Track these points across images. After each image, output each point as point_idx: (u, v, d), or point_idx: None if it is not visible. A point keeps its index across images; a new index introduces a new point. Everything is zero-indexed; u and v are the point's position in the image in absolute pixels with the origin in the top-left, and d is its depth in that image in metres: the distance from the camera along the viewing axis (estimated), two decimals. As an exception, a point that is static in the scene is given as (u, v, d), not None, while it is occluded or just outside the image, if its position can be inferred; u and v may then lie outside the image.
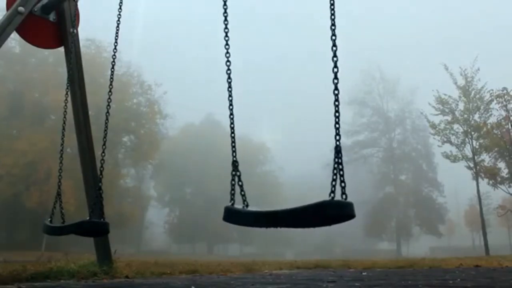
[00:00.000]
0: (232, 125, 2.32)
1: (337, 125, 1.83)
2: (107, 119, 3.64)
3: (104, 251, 4.65)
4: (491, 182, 23.18)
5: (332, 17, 1.91)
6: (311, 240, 52.75)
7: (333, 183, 1.77)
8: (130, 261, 6.70)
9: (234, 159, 2.22)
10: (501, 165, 23.31)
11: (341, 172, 1.79)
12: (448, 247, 51.99)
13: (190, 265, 6.85)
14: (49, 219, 3.66)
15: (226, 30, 2.40)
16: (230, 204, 2.10)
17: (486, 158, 23.43)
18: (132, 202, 40.23)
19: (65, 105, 4.08)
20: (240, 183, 2.15)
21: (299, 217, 1.81)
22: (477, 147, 23.23)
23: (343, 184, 1.78)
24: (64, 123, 4.02)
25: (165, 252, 44.79)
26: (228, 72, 2.35)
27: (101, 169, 3.52)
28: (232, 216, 2.06)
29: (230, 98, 2.35)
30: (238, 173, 2.17)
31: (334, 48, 1.87)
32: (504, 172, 23.15)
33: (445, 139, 23.83)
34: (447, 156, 24.07)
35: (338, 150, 1.80)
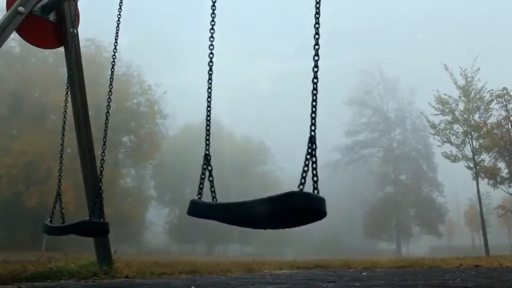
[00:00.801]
0: (208, 118, 2.28)
1: (313, 115, 1.76)
2: (107, 119, 3.64)
3: (104, 251, 4.65)
4: (491, 182, 23.18)
5: (317, 15, 1.90)
6: (311, 240, 52.73)
7: (304, 174, 1.66)
8: (130, 261, 6.70)
9: (207, 152, 2.16)
10: (501, 165, 23.33)
11: (314, 165, 1.68)
12: (448, 247, 51.99)
13: (190, 265, 6.86)
14: (49, 219, 3.66)
15: (213, 23, 2.40)
16: (197, 198, 2.04)
17: (486, 158, 23.46)
18: (132, 202, 40.25)
19: (65, 105, 4.08)
20: (210, 178, 2.10)
21: (263, 210, 1.67)
22: (477, 147, 23.23)
23: (315, 178, 1.66)
24: (64, 123, 4.02)
25: (165, 252, 44.77)
26: (210, 64, 2.36)
27: (101, 169, 3.52)
28: (196, 209, 1.99)
29: (209, 90, 2.35)
30: (209, 167, 2.12)
31: (317, 47, 1.87)
32: (504, 172, 23.16)
33: (445, 139, 23.84)
34: (447, 156, 24.07)
35: (312, 141, 1.71)
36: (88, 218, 3.65)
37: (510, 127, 22.65)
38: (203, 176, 2.09)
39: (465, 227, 55.74)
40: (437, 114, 24.45)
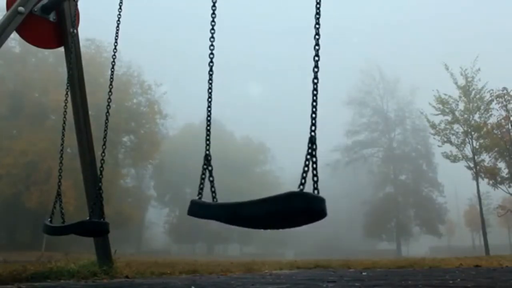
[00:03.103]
0: (208, 118, 2.29)
1: (313, 115, 1.77)
2: (107, 119, 3.64)
3: (104, 251, 4.65)
4: (491, 182, 23.19)
5: (317, 16, 1.90)
6: (311, 240, 52.75)
7: (304, 174, 1.67)
8: (130, 261, 6.70)
9: (207, 152, 2.16)
10: (501, 165, 23.34)
11: (314, 165, 1.69)
12: (448, 247, 52.00)
13: (190, 265, 6.86)
14: (49, 219, 3.66)
15: (213, 23, 2.40)
16: (197, 198, 2.05)
17: (486, 158, 23.46)
18: (132, 202, 40.26)
19: (65, 105, 4.08)
20: (211, 178, 2.11)
21: (263, 209, 1.68)
22: (477, 147, 23.23)
23: (315, 178, 1.68)
24: (64, 123, 4.02)
25: (165, 252, 44.79)
26: (211, 64, 2.36)
27: (101, 169, 3.52)
28: (196, 209, 2.00)
29: (210, 91, 2.35)
30: (210, 168, 2.12)
31: (317, 47, 1.87)
32: (504, 172, 23.16)
33: (445, 139, 23.83)
34: (447, 156, 24.07)
35: (312, 141, 1.71)
36: (88, 218, 3.65)
37: (510, 127, 22.66)
38: (203, 176, 2.09)
39: (465, 227, 55.73)
40: (437, 114, 24.46)
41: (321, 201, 1.63)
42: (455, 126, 23.78)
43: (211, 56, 2.37)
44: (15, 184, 28.66)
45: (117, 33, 3.81)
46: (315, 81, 1.84)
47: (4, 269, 4.05)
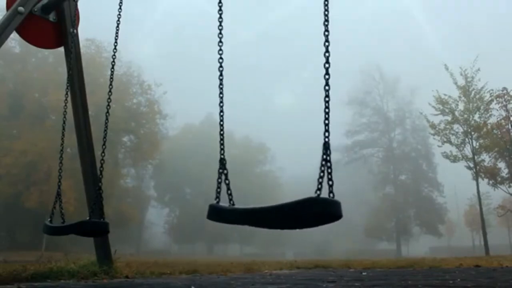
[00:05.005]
0: (221, 122, 2.30)
1: (326, 121, 1.79)
2: (107, 119, 3.63)
3: (104, 251, 4.65)
4: (491, 182, 23.17)
5: (326, 12, 1.90)
6: (311, 240, 52.74)
7: (320, 180, 1.72)
8: (130, 261, 6.70)
9: (222, 156, 2.18)
10: (501, 165, 23.32)
11: (329, 170, 1.74)
12: (448, 247, 52.00)
13: (190, 265, 6.86)
14: (49, 219, 3.65)
15: (220, 28, 2.40)
16: (215, 202, 2.07)
17: (486, 158, 23.44)
18: (132, 202, 40.26)
19: (65, 105, 4.08)
20: (227, 181, 2.11)
21: (283, 215, 1.76)
22: (477, 147, 23.22)
23: (330, 183, 1.74)
24: (64, 123, 4.01)
25: (165, 252, 44.84)
26: (220, 69, 2.35)
27: (101, 169, 3.51)
28: (216, 214, 2.03)
29: (221, 95, 2.35)
30: (225, 171, 2.13)
31: (327, 44, 1.87)
32: (504, 172, 23.15)
33: (445, 139, 23.81)
34: (447, 156, 24.05)
35: (326, 147, 1.75)
36: (88, 218, 3.64)
37: (510, 127, 22.65)
38: (219, 180, 2.10)
39: (465, 227, 55.69)
40: (437, 114, 24.44)
41: (338, 204, 1.72)
42: (455, 126, 23.77)
43: (220, 61, 2.35)
44: (15, 184, 28.64)
45: (117, 33, 3.81)
46: (327, 88, 1.85)
47: (4, 269, 4.05)
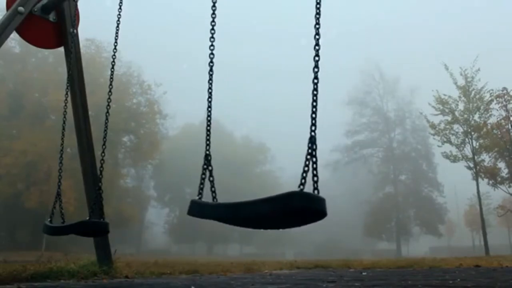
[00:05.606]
0: (208, 118, 2.29)
1: (313, 115, 1.78)
2: (107, 119, 3.64)
3: (104, 251, 4.65)
4: (491, 182, 23.18)
5: (317, 16, 1.91)
6: (311, 240, 52.76)
7: (304, 174, 1.67)
8: (130, 261, 6.70)
9: (207, 152, 2.16)
10: (501, 165, 23.32)
11: (314, 165, 1.69)
12: (448, 247, 52.02)
13: (190, 265, 6.86)
14: (49, 219, 3.66)
15: (213, 23, 2.41)
16: (197, 198, 2.05)
17: (486, 158, 23.45)
18: (132, 202, 40.25)
19: (65, 105, 4.08)
20: (211, 178, 2.11)
21: (263, 209, 1.69)
22: (477, 147, 23.22)
23: (315, 178, 1.68)
24: (64, 123, 4.01)
25: (165, 252, 44.80)
26: (211, 64, 2.36)
27: (101, 169, 3.52)
28: (198, 210, 1.99)
29: (210, 91, 2.35)
30: (210, 168, 2.12)
31: (317, 47, 1.87)
32: (504, 172, 23.15)
33: (445, 139, 23.81)
34: (447, 156, 24.06)
35: (312, 141, 1.72)
36: (88, 218, 3.65)
37: (510, 127, 22.65)
38: (203, 176, 2.09)
39: (465, 227, 55.71)
40: (437, 114, 24.45)
41: (321, 201, 1.64)
42: (455, 126, 23.78)
43: (211, 56, 2.37)
44: (15, 184, 28.65)
45: (117, 33, 3.81)
46: (315, 81, 1.85)
47: (4, 269, 4.05)
